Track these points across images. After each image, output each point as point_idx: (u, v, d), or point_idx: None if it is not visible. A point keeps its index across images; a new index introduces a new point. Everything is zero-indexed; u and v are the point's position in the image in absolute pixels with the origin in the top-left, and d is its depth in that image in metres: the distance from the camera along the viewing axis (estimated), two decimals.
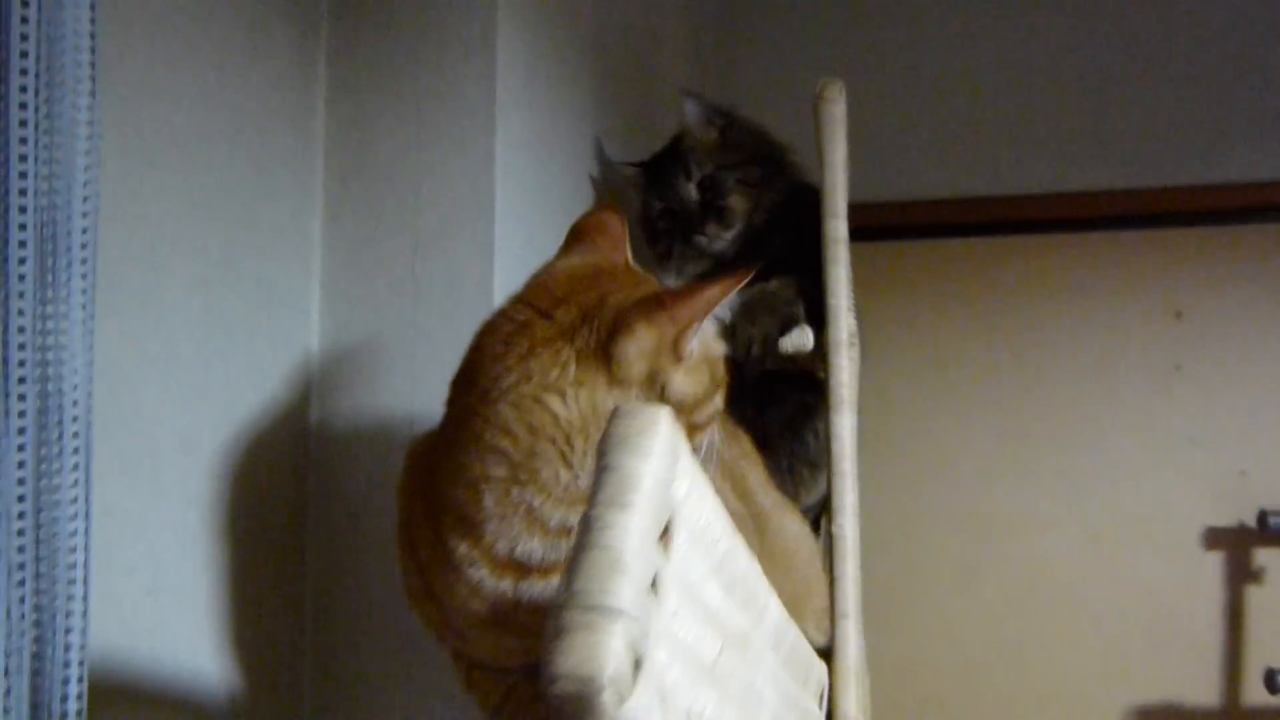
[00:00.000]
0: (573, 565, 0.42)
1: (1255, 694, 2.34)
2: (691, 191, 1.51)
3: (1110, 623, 2.50)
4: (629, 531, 0.42)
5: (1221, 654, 2.43)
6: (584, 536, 0.43)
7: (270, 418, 1.15)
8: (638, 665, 0.41)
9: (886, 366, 2.63)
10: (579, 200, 1.51)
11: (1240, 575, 2.45)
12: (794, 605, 1.20)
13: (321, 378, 1.23)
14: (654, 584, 0.44)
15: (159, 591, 0.97)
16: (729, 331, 1.33)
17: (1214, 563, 2.47)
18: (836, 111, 1.33)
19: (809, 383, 1.51)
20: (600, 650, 0.39)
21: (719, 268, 1.54)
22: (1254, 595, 2.43)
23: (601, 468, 0.45)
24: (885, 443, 2.59)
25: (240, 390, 1.10)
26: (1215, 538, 2.48)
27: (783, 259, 1.43)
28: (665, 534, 0.46)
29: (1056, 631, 2.51)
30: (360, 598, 1.20)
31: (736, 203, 1.51)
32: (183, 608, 1.01)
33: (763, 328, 1.43)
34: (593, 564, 0.41)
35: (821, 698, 1.22)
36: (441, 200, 1.23)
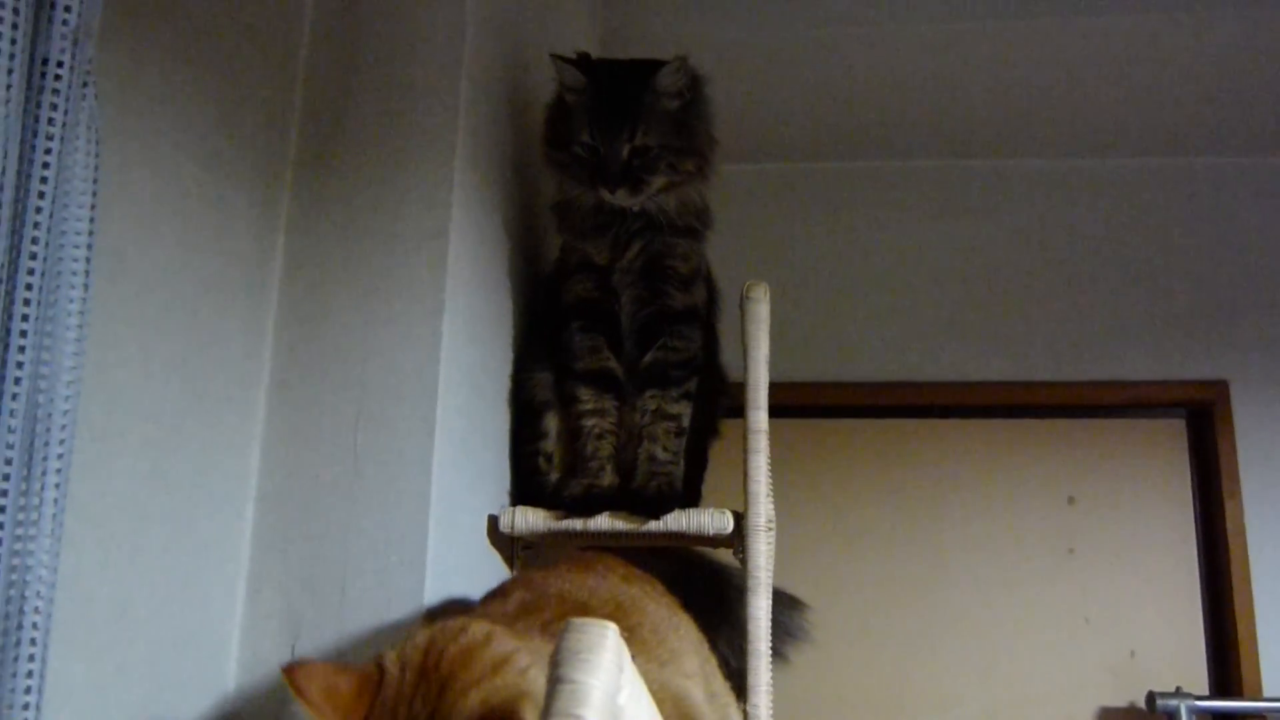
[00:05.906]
0: None
1: None
2: (623, 151, 1.45)
3: None
4: None
5: None
6: None
7: (199, 580, 1.17)
8: None
9: (801, 541, 2.71)
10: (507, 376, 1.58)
11: None
12: None
13: (255, 544, 1.26)
14: None
15: None
16: None
17: None
18: (761, 311, 1.44)
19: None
20: None
21: (611, 219, 1.51)
22: None
23: (554, 679, 0.50)
24: None
25: (175, 555, 1.12)
26: (1108, 718, 2.56)
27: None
28: None
29: None
30: None
31: (658, 181, 1.48)
32: None
33: None
34: None
35: None
36: (387, 376, 1.29)
